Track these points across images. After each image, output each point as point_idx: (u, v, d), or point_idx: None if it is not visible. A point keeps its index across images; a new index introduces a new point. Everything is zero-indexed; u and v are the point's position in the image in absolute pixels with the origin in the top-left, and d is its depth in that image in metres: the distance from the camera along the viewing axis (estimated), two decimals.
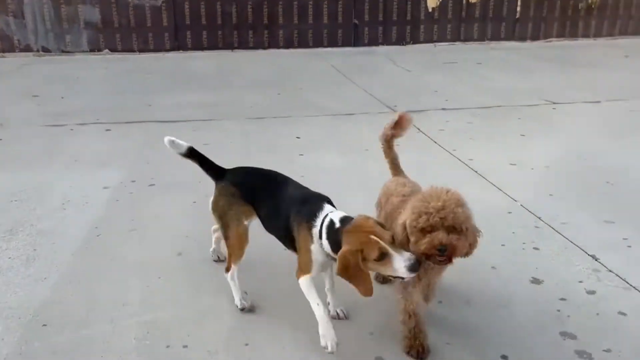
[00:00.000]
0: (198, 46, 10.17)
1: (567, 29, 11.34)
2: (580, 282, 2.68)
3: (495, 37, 11.12)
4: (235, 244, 2.40)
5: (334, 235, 2.05)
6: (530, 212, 3.43)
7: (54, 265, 2.86)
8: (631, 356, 2.16)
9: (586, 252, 2.95)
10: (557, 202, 3.60)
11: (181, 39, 10.11)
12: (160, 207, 3.58)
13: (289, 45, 10.42)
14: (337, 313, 2.40)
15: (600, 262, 2.85)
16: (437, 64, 8.75)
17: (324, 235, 2.09)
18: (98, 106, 6.04)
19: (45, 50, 9.75)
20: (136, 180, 4.01)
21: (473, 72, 8.03)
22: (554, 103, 6.12)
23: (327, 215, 2.12)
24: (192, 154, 2.57)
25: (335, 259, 2.03)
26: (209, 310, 2.48)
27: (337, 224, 2.06)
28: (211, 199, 2.50)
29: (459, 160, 4.39)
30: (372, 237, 1.93)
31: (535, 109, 5.90)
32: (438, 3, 10.74)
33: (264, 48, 10.36)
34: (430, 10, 10.79)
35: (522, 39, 11.19)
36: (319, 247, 2.13)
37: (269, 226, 2.40)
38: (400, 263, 1.92)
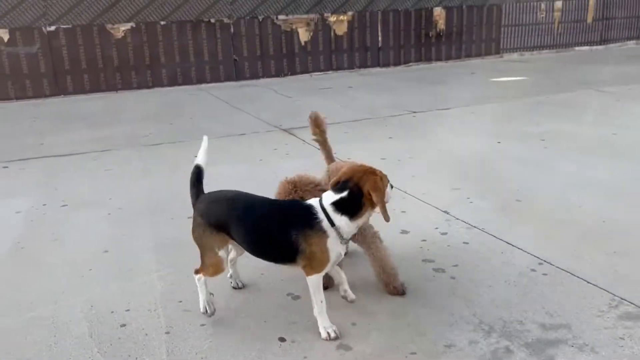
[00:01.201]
0: (80, 90, 10.26)
1: (422, 54, 12.89)
2: (436, 228, 3.46)
3: (363, 65, 12.36)
4: (209, 271, 2.43)
5: (350, 201, 2.18)
6: (398, 189, 4.22)
7: None
8: (472, 267, 2.93)
9: (439, 209, 3.76)
10: (418, 180, 4.43)
11: (61, 83, 10.15)
12: (76, 220, 3.89)
13: (172, 83, 10.83)
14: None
15: (449, 214, 3.67)
16: (313, 90, 9.64)
17: (338, 218, 2.19)
18: None
19: None
20: (47, 204, 4.27)
21: (345, 94, 9.00)
22: (414, 112, 7.17)
23: (317, 205, 2.24)
24: (197, 169, 2.54)
25: (347, 242, 2.26)
26: (143, 284, 2.90)
27: (341, 195, 2.20)
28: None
29: (339, 159, 5.13)
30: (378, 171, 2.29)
31: (398, 118, 6.89)
32: (310, 37, 11.78)
33: (148, 87, 10.69)
34: (303, 43, 11.79)
35: (386, 65, 12.55)
36: (336, 236, 2.20)
37: (260, 251, 2.38)
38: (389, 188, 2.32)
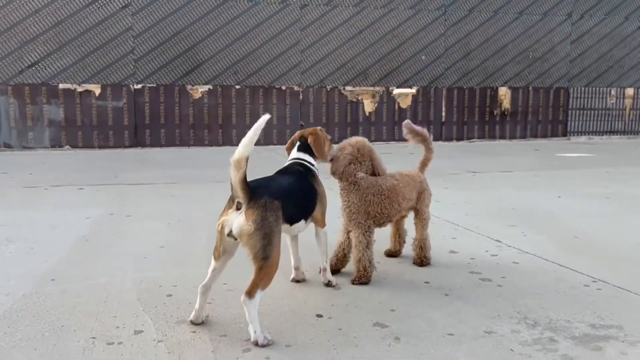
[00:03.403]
0: (156, 143, 10.98)
1: (486, 132, 12.97)
2: (487, 251, 3.41)
3: None
4: (273, 274, 2.26)
5: (304, 148, 2.78)
6: (450, 222, 4.21)
7: (51, 254, 3.33)
8: (521, 279, 2.85)
9: (491, 238, 3.71)
10: (471, 217, 4.40)
11: (140, 136, 10.92)
12: (139, 226, 4.11)
13: None
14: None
15: (501, 242, 3.60)
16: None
17: (307, 157, 2.76)
18: (67, 177, 6.60)
19: (7, 145, 10.28)
20: (114, 214, 4.54)
21: (405, 158, 9.12)
22: (474, 172, 7.18)
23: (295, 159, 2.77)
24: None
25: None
26: (193, 270, 3.00)
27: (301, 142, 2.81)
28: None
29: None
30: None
31: (458, 176, 6.91)
32: (374, 108, 12.20)
33: (219, 145, 11.29)
34: (367, 114, 12.20)
35: (449, 139, 12.69)
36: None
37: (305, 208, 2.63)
38: (334, 149, 2.97)
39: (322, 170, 2.89)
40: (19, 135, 10.36)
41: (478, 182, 6.42)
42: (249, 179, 2.20)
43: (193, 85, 11.12)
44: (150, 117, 10.94)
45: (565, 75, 13.31)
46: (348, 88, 12.01)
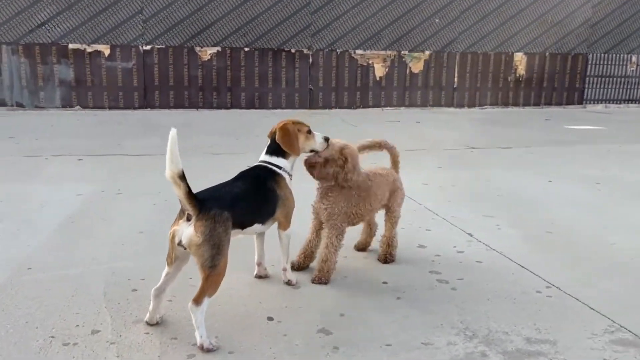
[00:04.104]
0: (165, 105, 11.07)
1: (499, 99, 12.74)
2: (455, 246, 3.47)
3: (437, 104, 12.40)
4: (219, 283, 2.32)
5: (272, 150, 2.76)
6: (430, 210, 4.26)
7: (35, 237, 3.49)
8: (477, 282, 2.92)
9: (464, 231, 3.76)
10: (452, 204, 4.44)
11: (149, 98, 11.01)
12: (124, 208, 4.25)
13: (250, 106, 11.42)
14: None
15: (472, 236, 3.66)
16: (381, 122, 9.82)
17: (276, 159, 2.74)
18: (70, 145, 6.76)
19: (19, 105, 10.47)
20: (105, 190, 4.69)
21: (411, 127, 9.10)
22: (473, 148, 7.14)
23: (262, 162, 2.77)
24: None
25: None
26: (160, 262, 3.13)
27: (266, 150, 2.79)
28: None
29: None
30: (302, 122, 2.87)
31: (456, 152, 6.89)
32: (385, 72, 12.04)
33: (227, 108, 11.34)
34: (377, 78, 12.06)
35: (460, 105, 12.52)
36: (287, 177, 2.76)
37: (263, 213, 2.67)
38: (318, 137, 2.86)
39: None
40: (31, 95, 10.53)
41: (474, 160, 6.40)
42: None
43: (202, 47, 11.09)
44: (159, 78, 10.99)
45: (584, 41, 12.91)
46: (359, 52, 11.84)
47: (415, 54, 12.10)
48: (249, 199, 2.54)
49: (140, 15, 10.70)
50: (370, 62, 11.96)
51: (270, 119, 9.77)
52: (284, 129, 2.79)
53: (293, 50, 11.51)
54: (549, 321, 2.49)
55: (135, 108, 10.92)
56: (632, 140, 7.98)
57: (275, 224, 2.78)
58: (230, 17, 11.11)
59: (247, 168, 2.79)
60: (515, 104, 12.82)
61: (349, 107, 11.93)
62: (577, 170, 5.81)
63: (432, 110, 12.00)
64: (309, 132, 2.87)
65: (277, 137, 2.78)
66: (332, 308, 2.60)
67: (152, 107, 11.01)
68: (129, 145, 6.89)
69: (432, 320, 2.49)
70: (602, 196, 4.84)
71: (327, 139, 2.90)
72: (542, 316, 2.54)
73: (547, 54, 12.74)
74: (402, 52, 12.06)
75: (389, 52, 12.01)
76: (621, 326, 2.45)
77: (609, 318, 2.52)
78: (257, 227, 2.65)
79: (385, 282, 2.92)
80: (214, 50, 11.15)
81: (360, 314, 2.55)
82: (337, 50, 11.75)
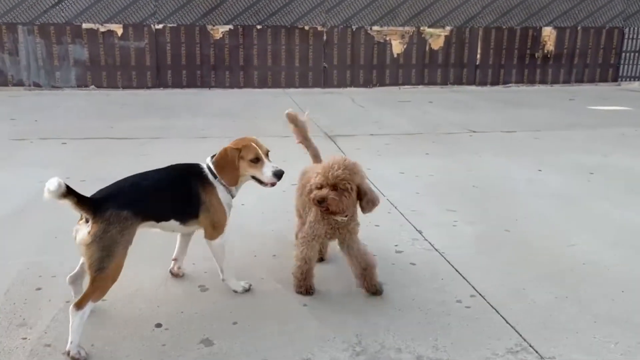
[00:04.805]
0: (178, 84, 11.06)
1: (525, 76, 12.13)
2: (396, 245, 3.26)
3: (458, 82, 11.93)
4: (110, 283, 2.25)
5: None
6: (390, 203, 4.03)
7: None
8: (397, 289, 2.72)
9: (415, 228, 3.53)
10: (419, 197, 4.20)
11: (162, 77, 11.02)
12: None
13: (262, 85, 11.28)
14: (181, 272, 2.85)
15: (421, 234, 3.43)
16: (391, 102, 9.49)
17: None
18: (63, 127, 6.81)
19: (37, 85, 10.68)
20: (70, 177, 4.66)
21: (420, 108, 8.75)
22: (474, 132, 6.79)
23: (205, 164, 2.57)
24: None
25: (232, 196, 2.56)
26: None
27: (210, 157, 2.56)
28: None
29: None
30: (253, 143, 2.55)
31: (453, 136, 6.56)
32: (403, 49, 11.62)
33: (239, 87, 11.23)
34: (395, 55, 11.66)
35: (483, 83, 12.00)
36: (223, 189, 2.51)
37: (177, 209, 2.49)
38: (268, 168, 2.52)
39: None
40: (47, 74, 10.72)
41: (468, 145, 6.07)
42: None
43: (214, 25, 10.97)
44: (171, 57, 10.97)
45: (620, 14, 12.08)
46: (375, 28, 11.46)
47: (436, 30, 11.62)
48: (161, 192, 2.43)
49: None
50: (387, 38, 11.57)
51: (280, 99, 9.62)
52: (223, 152, 2.56)
53: (307, 28, 11.25)
54: (452, 337, 2.28)
55: (148, 87, 10.97)
56: None
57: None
58: None
59: (184, 163, 2.65)
60: (543, 82, 12.18)
61: (365, 85, 11.62)
62: (575, 158, 5.42)
63: (452, 89, 11.55)
64: (257, 159, 2.54)
65: (215, 158, 2.58)
66: (230, 315, 2.47)
67: (165, 86, 11.03)
68: (121, 127, 6.89)
69: (326, 333, 2.32)
70: (589, 189, 4.49)
71: (279, 175, 2.54)
72: (447, 331, 2.32)
73: (579, 27, 12.00)
74: (421, 28, 11.60)
75: (407, 29, 11.58)
76: (530, 345, 2.21)
77: (520, 335, 2.28)
78: (174, 224, 2.52)
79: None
80: (226, 28, 11.02)
81: (253, 323, 2.40)
82: (353, 26, 11.41)
